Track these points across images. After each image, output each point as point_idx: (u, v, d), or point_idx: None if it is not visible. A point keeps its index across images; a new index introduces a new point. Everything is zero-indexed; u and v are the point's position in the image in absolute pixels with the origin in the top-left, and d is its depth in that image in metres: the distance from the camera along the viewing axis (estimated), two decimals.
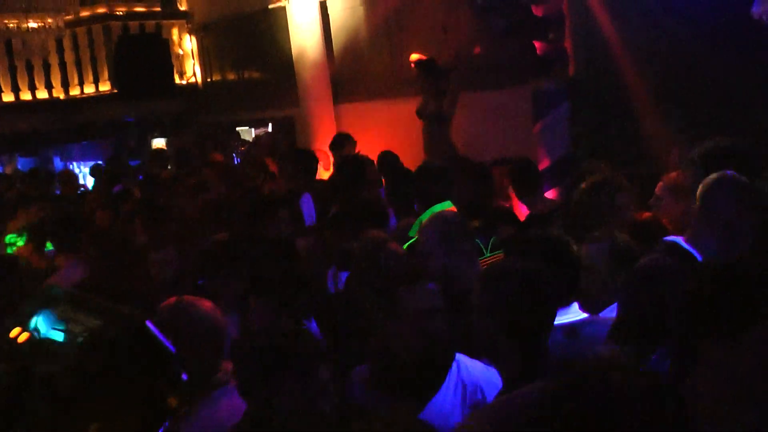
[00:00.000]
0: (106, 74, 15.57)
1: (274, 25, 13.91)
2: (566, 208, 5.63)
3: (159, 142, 17.38)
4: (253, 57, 15.35)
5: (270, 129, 15.49)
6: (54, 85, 15.57)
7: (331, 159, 10.25)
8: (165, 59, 15.85)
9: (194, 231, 6.97)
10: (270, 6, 13.51)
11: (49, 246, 6.71)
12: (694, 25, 7.54)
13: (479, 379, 3.47)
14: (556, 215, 6.04)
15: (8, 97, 15.06)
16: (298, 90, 13.33)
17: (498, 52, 9.94)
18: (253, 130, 16.24)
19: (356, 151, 9.88)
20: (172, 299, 3.84)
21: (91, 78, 15.79)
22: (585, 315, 3.72)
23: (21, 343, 2.16)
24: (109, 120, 16.03)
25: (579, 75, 9.01)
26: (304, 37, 13.05)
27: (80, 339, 2.15)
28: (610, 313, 3.67)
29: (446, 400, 3.40)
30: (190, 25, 16.79)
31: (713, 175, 4.04)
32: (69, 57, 15.70)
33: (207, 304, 3.81)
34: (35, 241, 6.77)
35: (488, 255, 5.04)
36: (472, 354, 3.60)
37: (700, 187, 4.08)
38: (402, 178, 6.95)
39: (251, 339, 3.33)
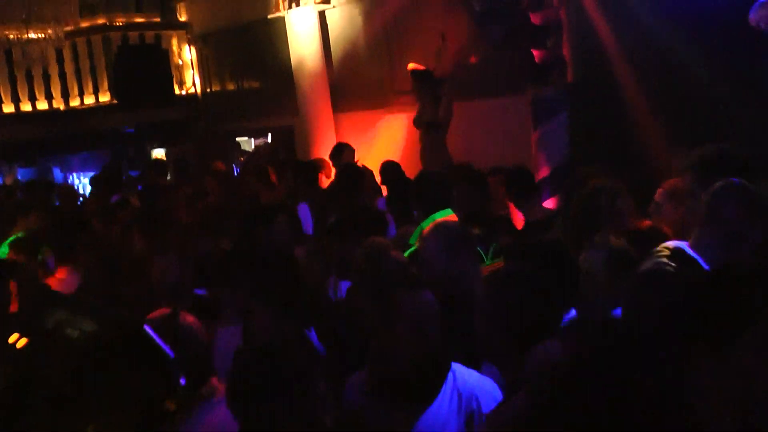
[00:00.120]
0: (106, 84, 15.59)
1: (273, 35, 13.93)
2: (566, 214, 5.63)
3: (159, 153, 17.40)
4: (252, 67, 15.38)
5: (270, 139, 15.51)
6: (54, 95, 15.59)
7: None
8: (164, 69, 15.88)
9: (193, 239, 6.97)
10: (269, 16, 13.51)
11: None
12: (691, 32, 7.55)
13: (475, 388, 3.47)
14: (555, 222, 6.05)
15: (8, 108, 15.07)
16: (297, 100, 13.36)
17: (496, 59, 9.96)
18: (252, 140, 16.26)
19: (355, 160, 9.89)
20: (157, 313, 3.83)
21: (91, 88, 15.80)
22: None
23: (20, 348, 2.17)
24: (109, 130, 16.04)
25: (577, 82, 9.02)
26: (303, 46, 13.09)
27: (78, 342, 2.16)
28: None
29: (442, 408, 3.40)
30: (189, 36, 16.81)
31: (720, 182, 4.04)
32: (69, 67, 15.72)
33: (190, 319, 3.80)
34: (26, 250, 6.75)
35: (489, 262, 5.05)
36: (473, 361, 3.61)
37: (706, 193, 4.08)
38: (402, 187, 6.96)
39: (251, 354, 3.32)
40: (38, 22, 13.31)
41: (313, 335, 4.50)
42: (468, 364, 3.58)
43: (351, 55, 13.00)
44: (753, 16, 6.58)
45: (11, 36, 13.55)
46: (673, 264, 3.77)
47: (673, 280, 3.27)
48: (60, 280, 6.24)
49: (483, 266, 4.92)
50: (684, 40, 7.66)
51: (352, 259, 5.11)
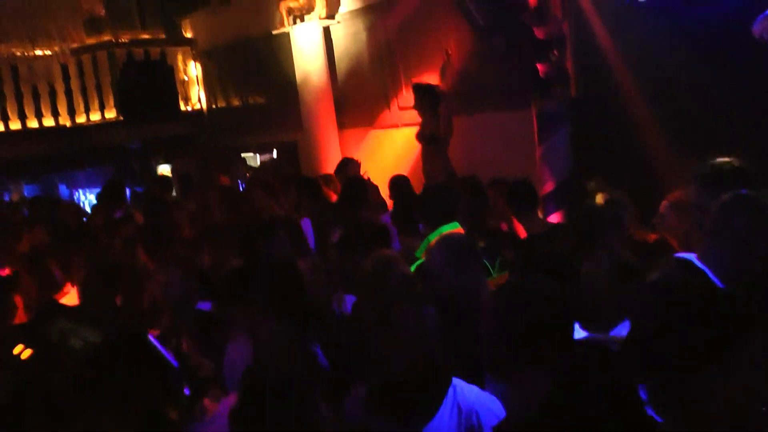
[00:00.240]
0: (111, 101, 15.62)
1: (277, 50, 13.96)
2: (570, 226, 5.63)
3: (164, 168, 17.42)
4: (257, 82, 15.40)
5: (275, 154, 15.52)
6: (60, 112, 15.64)
7: None
8: (170, 85, 15.92)
9: (196, 254, 6.98)
10: (274, 32, 13.57)
11: None
12: (694, 45, 7.56)
13: (475, 403, 3.46)
14: (557, 234, 6.05)
15: (15, 125, 15.11)
16: (301, 115, 13.38)
17: (500, 73, 9.97)
18: (257, 155, 16.28)
19: (362, 173, 9.89)
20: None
21: (96, 105, 15.84)
22: (584, 333, 3.72)
23: (24, 359, 2.17)
24: (115, 146, 16.07)
25: (581, 95, 9.03)
26: (307, 62, 13.12)
27: (81, 353, 2.16)
28: (616, 332, 3.67)
29: (442, 423, 3.39)
30: (194, 52, 16.86)
31: (728, 194, 4.03)
32: (75, 84, 15.77)
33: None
34: (30, 266, 6.77)
35: (496, 275, 5.05)
36: (477, 375, 3.60)
37: (714, 205, 4.07)
38: (409, 201, 6.96)
39: (260, 381, 3.33)
40: (44, 39, 13.38)
41: (317, 350, 4.50)
42: (472, 377, 3.57)
43: (355, 71, 13.03)
44: (756, 28, 6.58)
45: (17, 53, 13.62)
46: (681, 276, 3.77)
47: (681, 291, 3.25)
48: (67, 294, 6.25)
49: (490, 279, 4.93)
50: (687, 52, 7.67)
51: (356, 273, 5.12)
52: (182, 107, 16.63)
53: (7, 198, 14.95)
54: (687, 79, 7.78)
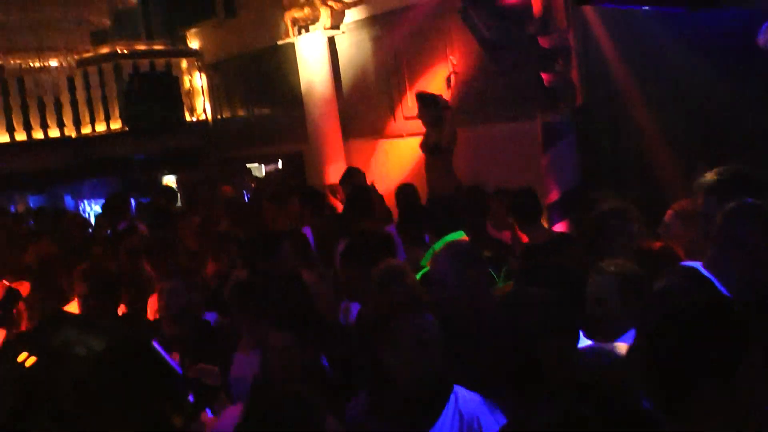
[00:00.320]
0: (117, 112, 15.66)
1: (283, 61, 13.98)
2: (577, 235, 5.62)
3: (169, 179, 17.43)
4: (262, 93, 15.41)
5: (280, 165, 15.53)
6: (66, 123, 15.67)
7: None
8: (175, 97, 15.95)
9: (200, 264, 7.00)
10: (279, 42, 13.60)
11: None
12: (699, 54, 7.55)
13: (476, 410, 3.46)
14: (562, 243, 6.05)
15: (20, 136, 15.14)
16: (307, 126, 13.39)
17: (505, 84, 9.97)
18: (263, 166, 16.29)
19: (368, 183, 9.90)
20: None
21: (102, 116, 15.88)
22: (588, 342, 3.71)
23: (28, 366, 2.17)
24: (120, 157, 16.09)
25: (586, 106, 9.03)
26: (312, 72, 13.14)
27: (85, 360, 2.16)
28: (624, 341, 3.66)
29: (443, 430, 3.40)
30: (200, 63, 16.89)
31: (734, 203, 4.03)
32: (80, 95, 15.81)
33: None
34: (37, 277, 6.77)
35: (501, 284, 5.04)
36: (480, 382, 3.59)
37: (721, 214, 4.06)
38: (415, 211, 6.95)
39: (266, 387, 3.33)
40: (50, 50, 13.39)
41: (323, 360, 4.51)
42: (475, 385, 3.56)
43: (360, 81, 13.02)
44: (761, 38, 6.58)
45: (23, 64, 13.64)
46: (687, 284, 3.76)
47: (686, 299, 3.24)
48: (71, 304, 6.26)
49: (495, 288, 4.92)
50: (692, 62, 7.66)
51: (360, 283, 5.12)
52: (187, 118, 16.66)
53: (12, 209, 14.97)
54: (692, 89, 7.78)
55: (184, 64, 16.85)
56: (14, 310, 5.45)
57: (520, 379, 3.16)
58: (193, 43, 16.99)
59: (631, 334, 3.58)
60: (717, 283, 3.87)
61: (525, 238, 6.95)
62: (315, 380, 4.05)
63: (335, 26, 12.92)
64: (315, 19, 12.89)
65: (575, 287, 3.84)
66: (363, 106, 12.99)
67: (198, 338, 5.17)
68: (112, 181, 16.88)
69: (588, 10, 8.74)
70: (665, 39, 7.88)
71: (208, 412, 3.65)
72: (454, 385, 3.49)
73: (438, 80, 11.32)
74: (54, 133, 15.56)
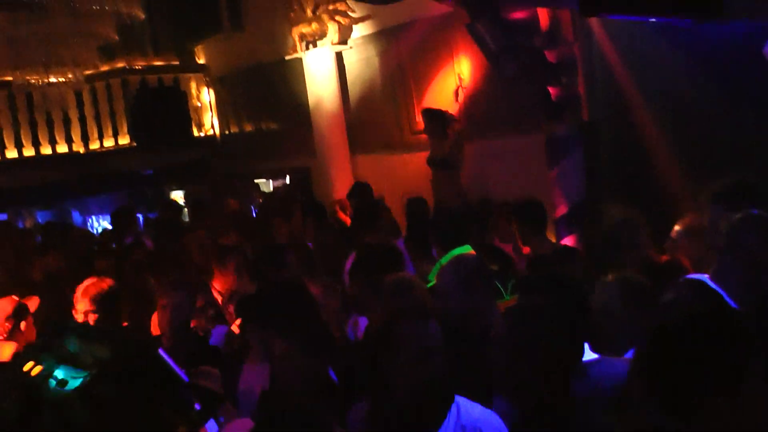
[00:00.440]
0: (125, 127, 15.70)
1: (290, 76, 14.02)
2: (586, 247, 5.61)
3: (177, 194, 17.47)
4: (270, 108, 15.45)
5: (288, 180, 15.56)
6: (74, 139, 15.71)
7: None
8: (183, 112, 16.00)
9: (207, 278, 7.00)
10: (286, 57, 13.64)
11: None
12: (706, 67, 7.55)
13: (478, 421, 3.44)
14: (567, 256, 6.04)
15: (29, 152, 15.19)
16: (314, 140, 13.41)
17: (512, 97, 9.97)
18: (271, 181, 16.31)
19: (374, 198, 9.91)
20: None
21: (110, 131, 15.91)
22: (595, 355, 3.70)
23: (34, 375, 2.17)
24: (128, 173, 16.13)
25: (593, 119, 9.02)
26: (320, 87, 13.18)
27: (91, 367, 2.16)
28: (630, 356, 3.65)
29: None
30: (207, 78, 16.94)
31: (739, 214, 4.02)
32: (88, 111, 15.86)
33: None
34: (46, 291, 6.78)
35: (508, 297, 5.02)
36: (484, 395, 3.58)
37: (726, 225, 4.05)
38: (422, 225, 6.94)
39: (275, 400, 3.32)
40: (58, 66, 13.41)
41: (331, 373, 4.50)
42: (479, 397, 3.55)
43: (368, 96, 13.05)
44: None
45: (31, 80, 13.68)
46: (693, 296, 3.75)
47: (693, 311, 3.23)
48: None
49: (502, 301, 4.91)
50: (699, 75, 7.66)
51: (369, 297, 5.12)
52: (195, 133, 16.69)
53: (21, 224, 15.00)
54: (699, 102, 7.76)
55: (191, 79, 16.88)
56: (23, 324, 5.46)
57: (522, 391, 3.16)
58: (201, 58, 17.05)
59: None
60: (724, 295, 3.86)
61: (526, 249, 6.93)
62: (321, 389, 4.05)
63: (343, 41, 12.96)
64: (322, 35, 12.94)
65: (578, 298, 3.83)
66: (370, 120, 13.01)
67: (196, 353, 5.17)
68: (120, 196, 16.92)
69: (595, 24, 8.75)
70: (671, 53, 7.87)
71: (213, 426, 3.64)
72: (456, 396, 3.48)
73: (445, 94, 11.34)
74: (62, 148, 15.59)
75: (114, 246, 9.69)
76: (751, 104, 7.34)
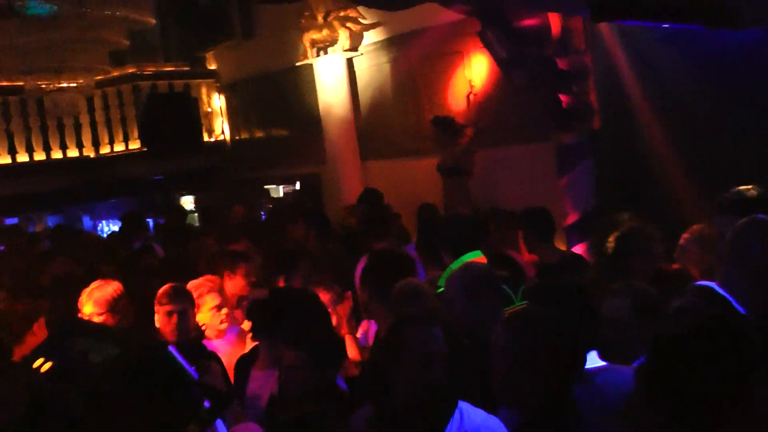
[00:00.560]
0: (135, 133, 15.72)
1: (301, 82, 14.05)
2: (598, 256, 5.59)
3: (187, 200, 17.49)
4: (280, 114, 15.45)
5: (298, 186, 15.57)
6: (85, 144, 15.75)
7: None
8: (193, 118, 15.99)
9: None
10: (297, 63, 13.65)
11: None
12: (718, 76, 7.52)
13: (481, 427, 3.46)
14: (574, 263, 6.02)
15: (39, 156, 15.22)
16: (324, 147, 13.42)
17: (523, 106, 9.96)
18: (281, 187, 16.33)
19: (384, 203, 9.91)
20: None
21: (121, 137, 15.93)
22: (602, 363, 3.69)
23: (42, 372, 2.16)
24: (138, 178, 16.15)
25: (603, 128, 9.00)
26: (331, 94, 13.19)
27: (100, 366, 2.15)
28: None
29: None
30: (218, 84, 16.97)
31: (744, 219, 4.01)
32: (99, 116, 15.89)
33: None
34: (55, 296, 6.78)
35: (518, 303, 5.00)
36: (489, 403, 3.57)
37: (731, 230, 4.04)
38: (432, 231, 6.92)
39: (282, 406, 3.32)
40: (69, 72, 13.47)
41: (339, 380, 4.50)
42: (483, 403, 3.54)
43: (378, 102, 13.05)
44: None
45: (43, 85, 13.73)
46: (702, 303, 3.74)
47: (700, 318, 3.22)
48: None
49: (512, 307, 4.90)
50: (710, 84, 7.63)
51: (379, 302, 5.10)
52: (206, 139, 16.70)
53: (31, 229, 15.04)
54: (711, 111, 7.74)
55: (202, 85, 16.91)
56: (34, 326, 5.46)
57: (521, 399, 3.16)
58: (212, 65, 17.08)
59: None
60: (732, 301, 3.84)
61: (527, 257, 6.91)
62: (329, 399, 4.04)
63: (353, 48, 12.97)
64: (333, 41, 12.96)
65: (583, 307, 3.83)
66: (381, 126, 13.01)
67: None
68: (129, 201, 16.94)
69: (606, 33, 8.72)
70: (682, 61, 7.85)
71: (221, 425, 3.63)
72: (459, 401, 3.47)
73: (456, 101, 11.33)
74: (73, 153, 15.63)
75: (121, 250, 9.67)
76: (764, 113, 7.31)
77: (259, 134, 16.35)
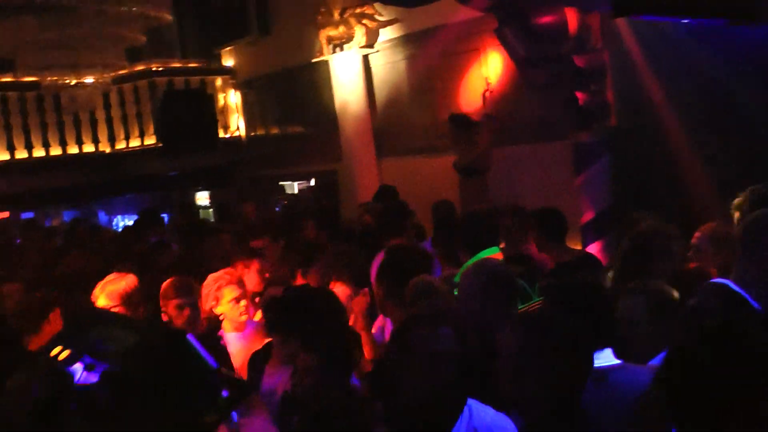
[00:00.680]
0: (151, 129, 15.75)
1: (317, 79, 14.04)
2: (617, 255, 5.55)
3: (202, 196, 17.52)
4: (296, 111, 15.47)
5: (313, 183, 15.58)
6: (101, 139, 15.80)
7: None
8: (209, 114, 16.01)
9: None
10: (313, 60, 13.65)
11: None
12: (737, 73, 7.48)
13: (491, 425, 3.42)
14: (587, 263, 6.01)
15: (56, 151, 15.28)
16: (341, 144, 13.41)
17: (540, 103, 9.93)
18: (296, 184, 16.34)
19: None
20: None
21: (137, 133, 15.99)
22: (616, 361, 3.67)
23: (61, 360, 2.15)
24: (154, 174, 16.19)
25: (621, 126, 8.96)
26: (347, 91, 13.18)
27: (118, 354, 2.14)
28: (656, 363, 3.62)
29: None
30: (234, 81, 16.98)
31: (753, 213, 3.98)
32: (115, 112, 15.94)
33: None
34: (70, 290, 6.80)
35: (536, 299, 4.99)
36: (499, 404, 3.55)
37: (741, 225, 4.02)
38: (449, 228, 6.90)
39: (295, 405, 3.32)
40: (86, 67, 13.50)
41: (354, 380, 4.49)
42: (493, 401, 3.53)
43: (395, 99, 13.04)
44: None
45: (60, 81, 13.77)
46: (718, 300, 3.72)
47: (717, 316, 3.20)
48: None
49: (530, 303, 4.89)
50: (729, 82, 7.60)
51: (394, 299, 5.09)
52: (222, 135, 16.73)
53: (48, 224, 15.10)
54: (728, 107, 7.71)
55: (218, 81, 16.94)
56: (50, 316, 5.47)
57: (528, 402, 3.14)
58: (228, 61, 17.10)
59: (663, 356, 3.55)
60: (748, 297, 3.83)
61: (536, 253, 6.88)
62: (341, 399, 4.03)
63: (370, 45, 12.96)
64: (350, 38, 12.95)
65: (595, 306, 3.81)
66: (397, 124, 13.01)
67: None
68: (145, 197, 16.99)
69: (624, 30, 8.68)
70: (701, 58, 7.81)
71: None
72: (469, 398, 3.45)
73: (472, 99, 11.30)
74: (89, 149, 15.68)
75: (136, 245, 9.68)
76: None
77: (275, 131, 16.36)
